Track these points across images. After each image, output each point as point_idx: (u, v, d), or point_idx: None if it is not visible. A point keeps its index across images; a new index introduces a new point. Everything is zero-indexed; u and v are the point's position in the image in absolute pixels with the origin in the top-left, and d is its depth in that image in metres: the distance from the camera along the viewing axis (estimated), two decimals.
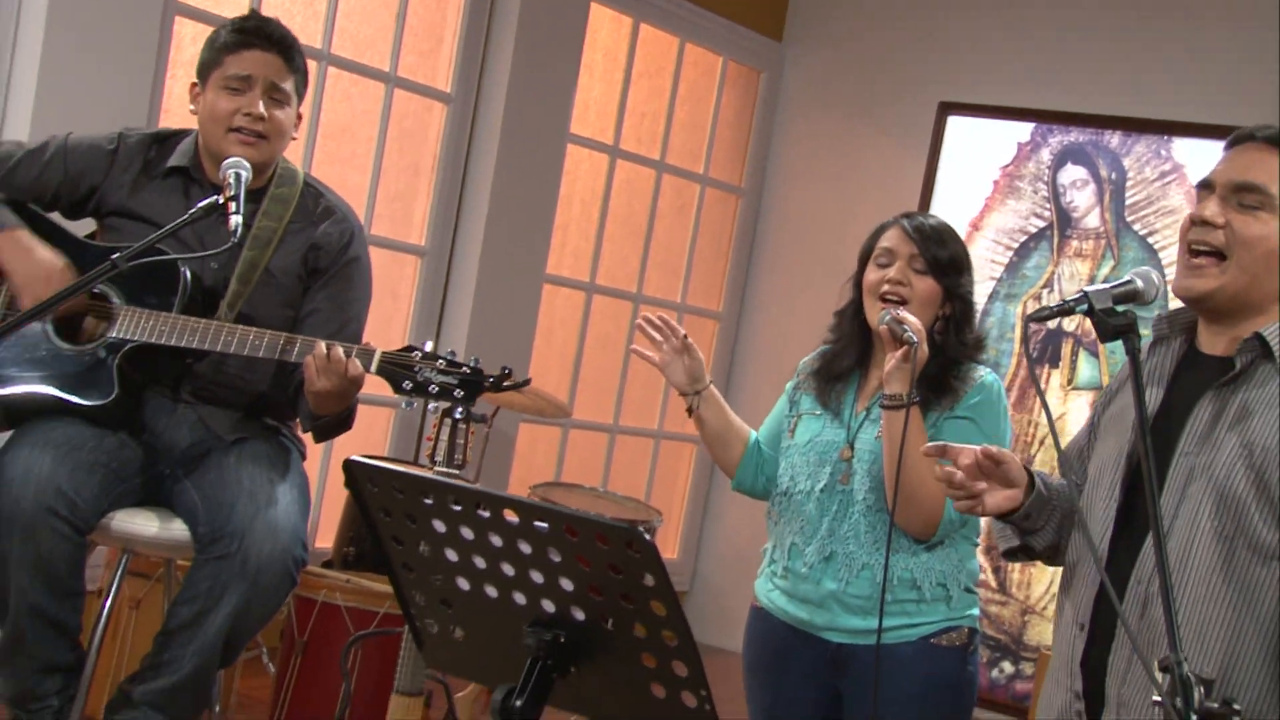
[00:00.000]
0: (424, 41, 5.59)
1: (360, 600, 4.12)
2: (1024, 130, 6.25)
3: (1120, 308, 2.10)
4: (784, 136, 6.93)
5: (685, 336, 3.14)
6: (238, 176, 2.83)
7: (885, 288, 3.02)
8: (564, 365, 6.34)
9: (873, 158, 6.64)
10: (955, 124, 6.40)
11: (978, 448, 2.34)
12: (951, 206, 6.31)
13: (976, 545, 3.10)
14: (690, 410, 3.17)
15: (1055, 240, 6.14)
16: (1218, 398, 2.18)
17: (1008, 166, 6.28)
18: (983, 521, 3.03)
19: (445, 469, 3.25)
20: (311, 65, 5.12)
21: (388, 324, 5.59)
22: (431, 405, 2.82)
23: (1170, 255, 5.83)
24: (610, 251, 6.46)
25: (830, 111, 6.81)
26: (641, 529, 4.85)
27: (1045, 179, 6.18)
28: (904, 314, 2.92)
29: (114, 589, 2.97)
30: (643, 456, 6.77)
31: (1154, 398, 2.28)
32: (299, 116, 3.19)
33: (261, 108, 3.06)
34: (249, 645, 4.80)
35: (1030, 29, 6.30)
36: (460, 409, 2.83)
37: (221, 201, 2.78)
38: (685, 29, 6.52)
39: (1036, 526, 2.35)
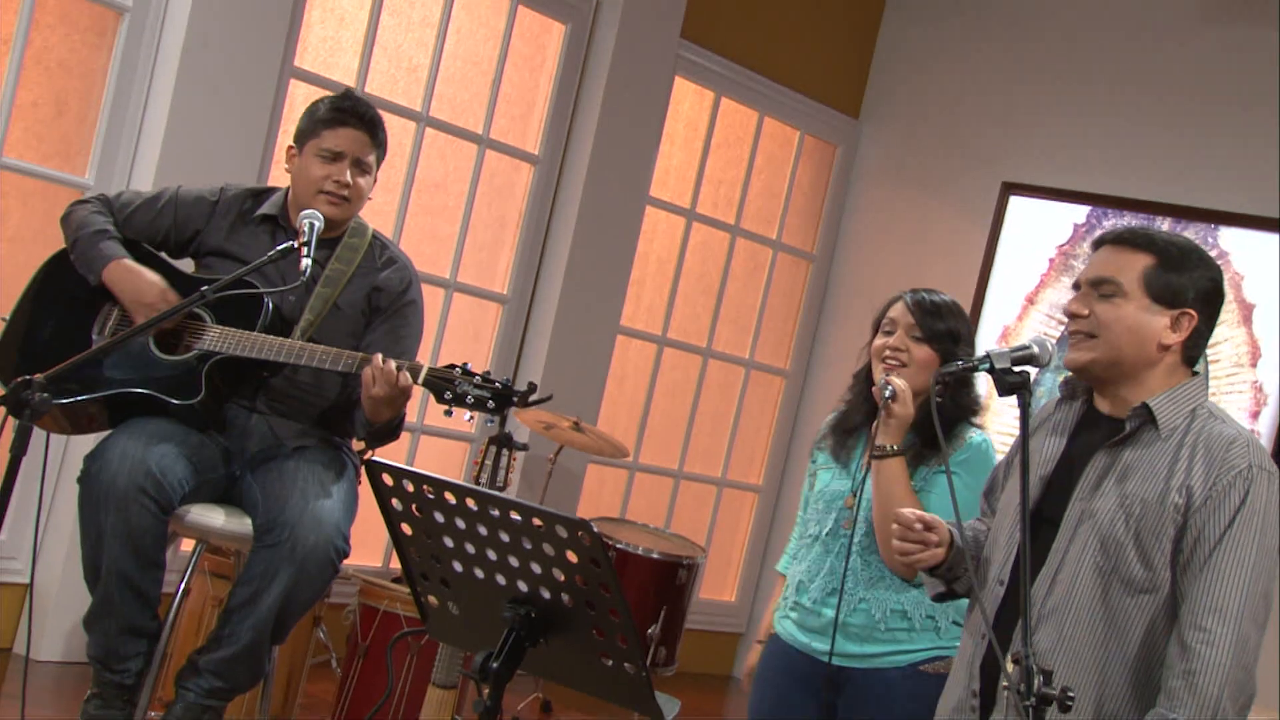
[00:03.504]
0: (516, 107, 6.09)
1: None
2: (1080, 213, 6.59)
3: (1018, 369, 2.51)
4: (856, 207, 7.33)
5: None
6: (311, 226, 3.35)
7: (887, 353, 3.39)
8: (633, 412, 6.76)
9: (938, 231, 7.01)
10: (1016, 203, 6.76)
11: (918, 515, 2.71)
12: (1009, 280, 6.67)
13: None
14: None
15: None
16: (1108, 454, 2.58)
17: (1064, 245, 6.61)
18: None
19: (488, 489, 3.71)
20: (410, 125, 5.69)
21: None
22: (467, 415, 3.26)
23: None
24: (683, 308, 6.88)
25: (901, 186, 7.20)
26: (685, 562, 5.31)
27: None
28: (894, 378, 3.28)
29: (189, 572, 3.45)
30: (705, 502, 7.14)
31: (1057, 447, 2.68)
32: (374, 180, 3.68)
33: (349, 177, 3.57)
34: (318, 650, 5.28)
35: (1091, 115, 6.64)
36: (491, 419, 3.28)
37: (296, 246, 3.28)
38: (765, 104, 6.95)
39: (958, 575, 2.77)
